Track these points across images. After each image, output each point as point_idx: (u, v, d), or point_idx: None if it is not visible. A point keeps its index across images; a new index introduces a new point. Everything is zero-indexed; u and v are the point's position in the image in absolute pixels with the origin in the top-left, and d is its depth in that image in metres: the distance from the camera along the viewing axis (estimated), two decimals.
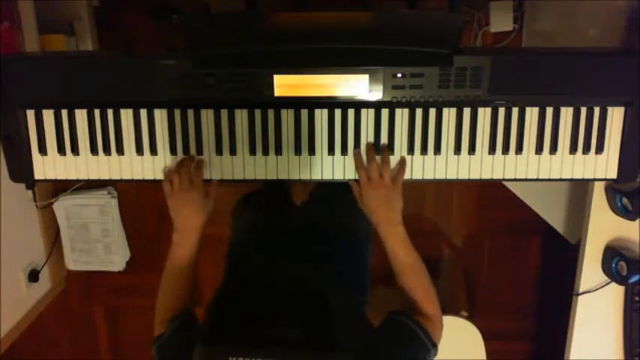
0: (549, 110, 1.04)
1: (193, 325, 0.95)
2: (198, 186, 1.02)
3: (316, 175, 1.07)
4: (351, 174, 1.07)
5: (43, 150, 1.06)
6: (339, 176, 1.07)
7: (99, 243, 2.10)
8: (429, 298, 0.96)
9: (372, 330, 0.88)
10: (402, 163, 1.04)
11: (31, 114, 1.05)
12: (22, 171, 1.07)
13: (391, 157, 1.05)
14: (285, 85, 1.01)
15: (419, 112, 1.04)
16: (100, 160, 1.07)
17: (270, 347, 0.72)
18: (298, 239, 1.13)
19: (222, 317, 0.83)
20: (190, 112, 1.04)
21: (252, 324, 0.77)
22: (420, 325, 0.89)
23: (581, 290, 1.29)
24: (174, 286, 1.01)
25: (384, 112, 1.04)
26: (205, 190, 1.04)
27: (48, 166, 1.07)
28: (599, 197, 1.23)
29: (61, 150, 1.06)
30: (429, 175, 1.07)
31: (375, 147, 1.04)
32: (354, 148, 1.05)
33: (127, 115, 1.05)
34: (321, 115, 1.04)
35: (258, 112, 1.04)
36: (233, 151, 1.06)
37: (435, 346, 0.89)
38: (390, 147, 1.05)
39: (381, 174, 0.99)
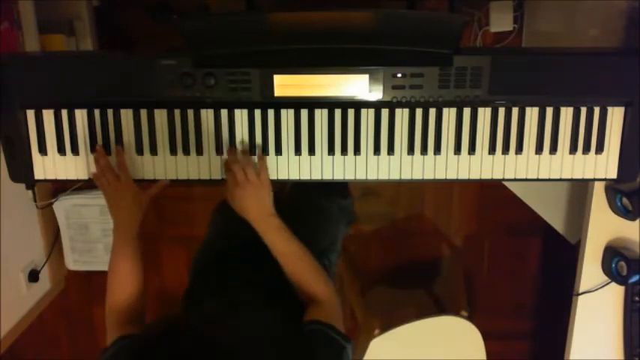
0: (549, 110, 1.04)
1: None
2: (127, 181, 1.02)
3: (316, 175, 1.07)
4: (351, 174, 1.07)
5: (43, 150, 1.06)
6: (339, 176, 1.07)
7: (99, 243, 2.10)
8: (320, 279, 0.97)
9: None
10: (261, 159, 1.03)
11: (31, 114, 1.05)
12: (22, 171, 1.07)
13: (391, 157, 1.05)
14: (285, 85, 1.01)
15: (419, 112, 1.04)
16: None
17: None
18: (258, 251, 1.13)
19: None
20: (190, 112, 1.04)
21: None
22: (331, 326, 0.88)
23: (581, 290, 1.29)
24: (119, 287, 0.99)
25: (384, 112, 1.04)
26: (144, 187, 1.03)
27: (48, 166, 1.07)
28: (599, 197, 1.23)
29: (61, 150, 1.06)
30: (429, 175, 1.07)
31: (376, 147, 1.05)
32: (353, 149, 1.05)
33: (127, 115, 1.05)
34: (321, 115, 1.04)
35: (258, 112, 1.04)
36: None
37: (349, 341, 0.88)
38: (391, 147, 1.05)
39: (246, 173, 0.99)
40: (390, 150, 1.05)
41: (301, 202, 1.31)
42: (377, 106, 1.03)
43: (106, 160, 1.03)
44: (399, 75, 1.01)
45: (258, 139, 1.05)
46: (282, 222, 0.99)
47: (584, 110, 1.04)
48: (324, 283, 0.97)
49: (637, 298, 1.26)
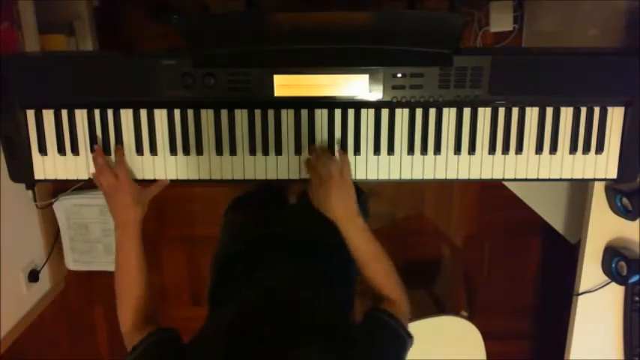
0: (549, 110, 1.04)
1: (175, 344, 0.91)
2: (125, 180, 1.01)
3: None
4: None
5: (43, 150, 1.06)
6: None
7: (99, 243, 2.10)
8: (393, 281, 0.98)
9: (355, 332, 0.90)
10: (342, 155, 1.03)
11: (31, 114, 1.05)
12: (22, 171, 1.07)
13: (391, 157, 1.06)
14: (285, 85, 1.01)
15: (419, 112, 1.04)
16: None
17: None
18: (286, 248, 1.13)
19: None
20: (190, 112, 1.04)
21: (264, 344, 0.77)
22: (396, 318, 0.91)
23: (581, 290, 1.29)
24: (129, 285, 0.99)
25: (384, 112, 1.04)
26: (145, 185, 1.03)
27: (48, 166, 1.07)
28: (599, 197, 1.23)
29: (61, 150, 1.06)
30: (429, 175, 1.07)
31: (376, 147, 1.05)
32: (353, 149, 1.05)
33: (127, 115, 1.05)
34: (321, 115, 1.04)
35: (258, 112, 1.04)
36: (233, 151, 1.06)
37: (410, 337, 0.91)
38: (391, 147, 1.05)
39: (329, 170, 0.99)
40: (390, 150, 1.05)
41: None
42: (377, 106, 1.03)
43: (104, 160, 1.03)
44: (399, 75, 1.01)
45: (259, 139, 1.05)
46: (364, 222, 0.99)
47: (584, 110, 1.04)
48: (398, 285, 0.98)
49: (637, 298, 1.26)
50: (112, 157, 1.05)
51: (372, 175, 1.07)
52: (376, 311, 0.92)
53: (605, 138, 1.05)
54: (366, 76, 1.00)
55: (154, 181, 1.07)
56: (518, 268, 2.24)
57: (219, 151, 1.06)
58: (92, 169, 1.06)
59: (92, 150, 1.05)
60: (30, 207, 1.90)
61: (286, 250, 1.12)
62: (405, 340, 0.90)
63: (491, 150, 1.06)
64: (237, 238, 1.26)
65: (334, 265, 1.12)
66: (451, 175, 1.07)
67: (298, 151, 1.05)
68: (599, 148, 1.05)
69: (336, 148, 1.05)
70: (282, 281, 0.99)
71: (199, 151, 1.06)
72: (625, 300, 1.28)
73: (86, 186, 2.00)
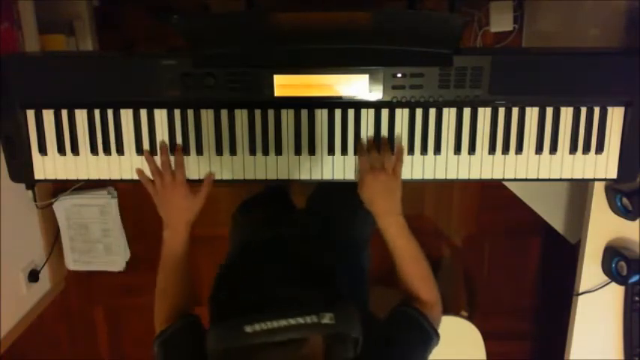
0: (549, 110, 1.04)
1: (200, 328, 0.93)
2: (182, 182, 1.02)
3: (316, 175, 1.07)
4: (351, 174, 1.07)
5: (43, 150, 1.06)
6: (339, 176, 1.07)
7: (99, 243, 2.10)
8: (429, 284, 0.97)
9: (377, 322, 0.90)
10: (399, 151, 1.03)
11: (31, 114, 1.05)
12: (22, 171, 1.07)
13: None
14: (285, 85, 1.01)
15: (419, 112, 1.04)
16: (100, 160, 1.07)
17: (281, 306, 0.70)
18: (297, 250, 1.13)
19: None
20: (190, 112, 1.04)
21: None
22: (424, 315, 0.91)
23: (581, 290, 1.29)
24: (171, 284, 1.00)
25: (384, 112, 1.04)
26: (194, 187, 1.03)
27: (48, 166, 1.07)
28: (599, 197, 1.23)
29: (61, 150, 1.06)
30: (429, 175, 1.07)
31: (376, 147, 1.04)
32: (353, 149, 1.05)
33: (127, 115, 1.05)
34: (321, 115, 1.04)
35: (258, 112, 1.04)
36: (233, 151, 1.06)
37: (437, 335, 0.91)
38: (391, 147, 1.05)
39: (383, 163, 0.99)
40: (391, 150, 1.05)
41: (332, 202, 1.31)
42: (377, 106, 1.03)
43: (168, 158, 1.03)
44: (399, 75, 1.01)
45: (259, 139, 1.05)
46: (405, 222, 0.98)
47: (584, 110, 1.04)
48: (435, 290, 0.98)
49: (637, 298, 1.26)
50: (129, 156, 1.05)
51: None
52: (404, 306, 0.92)
53: (605, 138, 1.05)
54: (366, 76, 1.00)
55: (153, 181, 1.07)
56: (518, 268, 2.24)
57: (219, 151, 1.06)
58: (92, 170, 1.06)
59: (93, 151, 1.05)
60: (30, 207, 1.89)
61: (296, 252, 1.12)
62: (430, 336, 0.89)
63: (491, 150, 1.06)
64: (248, 241, 1.26)
65: (345, 269, 1.12)
66: (451, 175, 1.07)
67: (298, 151, 1.05)
68: (599, 148, 1.05)
69: (396, 142, 1.05)
70: (290, 281, 0.98)
71: (199, 151, 1.06)
72: (625, 300, 1.28)
73: (86, 186, 2.00)
